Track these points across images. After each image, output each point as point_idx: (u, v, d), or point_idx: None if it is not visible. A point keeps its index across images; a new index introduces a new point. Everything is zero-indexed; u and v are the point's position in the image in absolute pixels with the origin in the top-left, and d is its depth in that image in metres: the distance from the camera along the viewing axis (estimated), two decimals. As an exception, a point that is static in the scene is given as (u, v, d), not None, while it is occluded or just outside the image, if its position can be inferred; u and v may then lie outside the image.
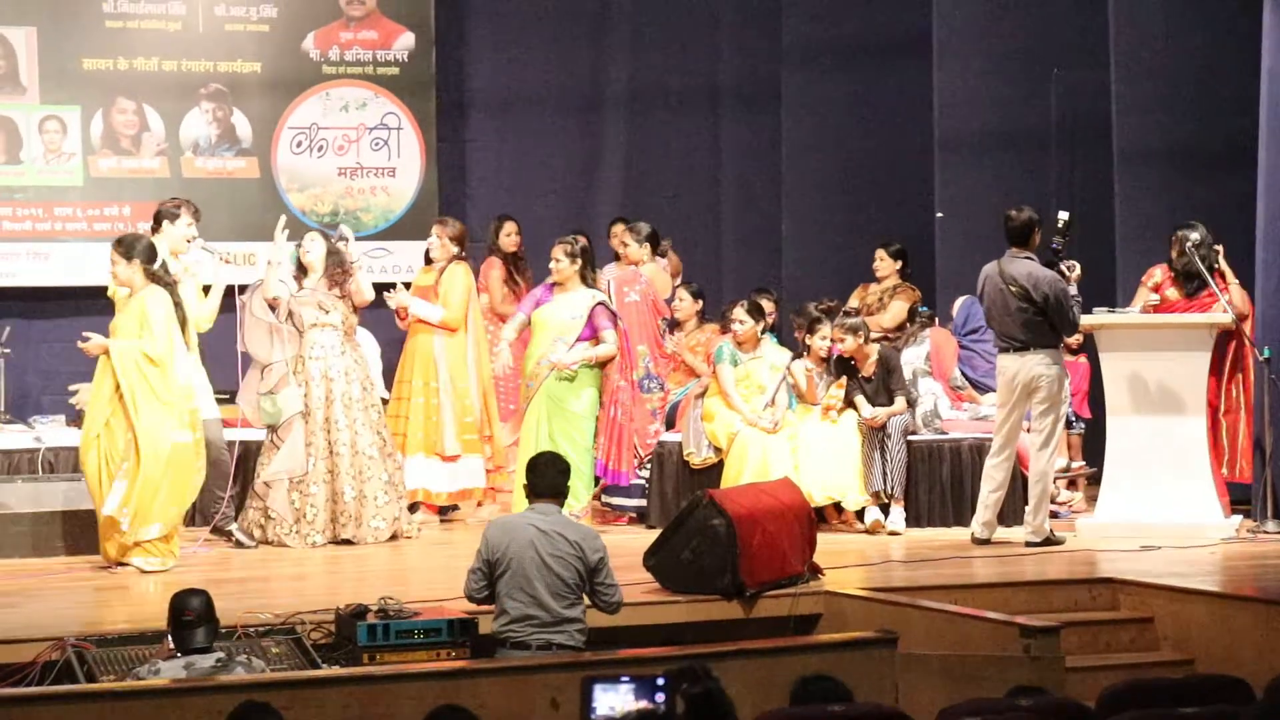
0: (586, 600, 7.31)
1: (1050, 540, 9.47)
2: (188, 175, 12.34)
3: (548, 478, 7.38)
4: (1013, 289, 9.44)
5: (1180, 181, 11.10)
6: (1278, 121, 10.13)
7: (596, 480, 10.41)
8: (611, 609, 7.36)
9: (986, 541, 9.56)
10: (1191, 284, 10.02)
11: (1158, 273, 10.20)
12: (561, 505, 7.43)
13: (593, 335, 10.07)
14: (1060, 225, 9.59)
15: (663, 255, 11.52)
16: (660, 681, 4.85)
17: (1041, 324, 9.45)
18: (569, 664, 6.80)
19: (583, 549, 7.22)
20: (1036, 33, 12.42)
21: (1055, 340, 9.55)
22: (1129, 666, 7.74)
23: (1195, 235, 9.97)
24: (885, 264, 11.38)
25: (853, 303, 11.40)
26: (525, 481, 7.46)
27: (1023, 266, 9.48)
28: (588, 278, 10.21)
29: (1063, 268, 9.53)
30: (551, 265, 10.25)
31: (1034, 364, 9.43)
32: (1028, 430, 9.71)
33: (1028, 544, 9.46)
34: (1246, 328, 9.90)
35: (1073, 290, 9.52)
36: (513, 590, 7.16)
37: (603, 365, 10.18)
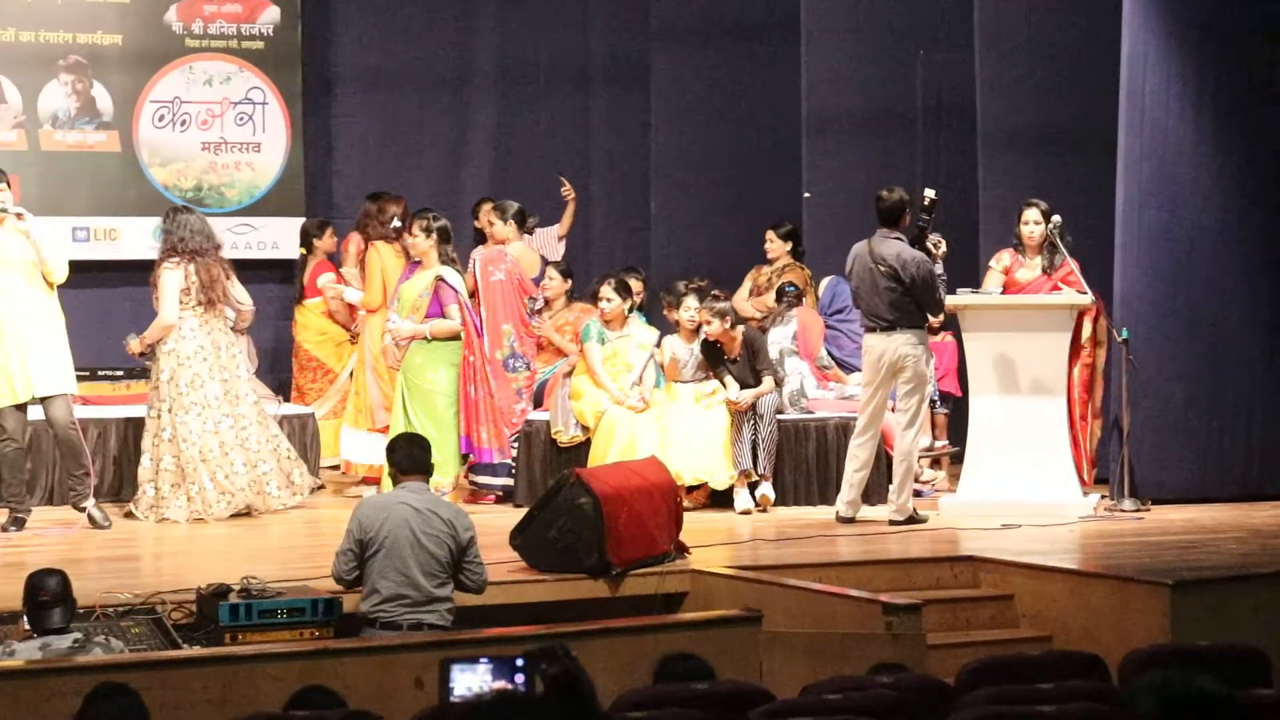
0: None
1: (913, 519, 9.56)
2: (46, 148, 12.10)
3: (413, 455, 7.42)
4: (881, 268, 9.52)
5: (1042, 163, 11.23)
6: (1136, 105, 10.29)
7: (465, 458, 10.40)
8: (477, 589, 7.37)
9: (851, 520, 9.63)
10: (1050, 257, 10.17)
11: (1005, 256, 10.32)
12: (428, 482, 7.46)
13: (440, 311, 10.05)
14: (926, 202, 9.71)
15: (529, 232, 11.46)
16: (519, 662, 4.85)
17: (908, 304, 9.54)
18: (432, 643, 6.76)
19: (455, 527, 7.24)
20: (902, 15, 12.51)
21: (921, 320, 9.65)
22: (989, 643, 7.85)
23: (1058, 216, 10.12)
24: (775, 245, 11.51)
25: (746, 284, 11.54)
26: (389, 463, 7.48)
27: (892, 247, 9.55)
28: (444, 254, 10.20)
29: (929, 244, 9.62)
30: (409, 241, 10.27)
31: (900, 344, 9.52)
32: (893, 410, 9.79)
33: (891, 523, 9.54)
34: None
35: (939, 268, 9.62)
36: (385, 570, 7.14)
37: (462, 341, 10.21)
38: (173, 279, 9.82)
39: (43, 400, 9.48)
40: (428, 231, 10.16)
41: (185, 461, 9.75)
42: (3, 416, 9.45)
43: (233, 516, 9.80)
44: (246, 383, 10.11)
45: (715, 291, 10.82)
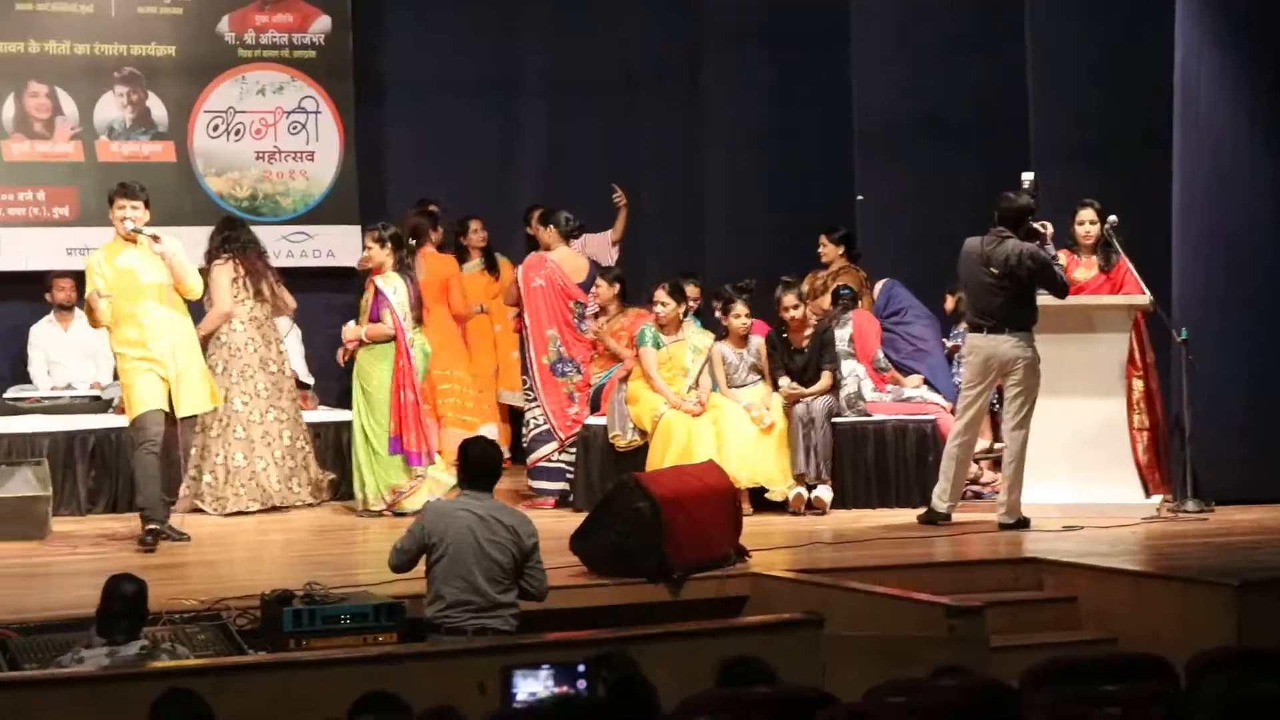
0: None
1: (1022, 522, 9.35)
2: (103, 159, 12.18)
3: (494, 466, 7.55)
4: (993, 270, 9.36)
5: (1097, 166, 11.14)
6: (1190, 109, 10.22)
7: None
8: (539, 595, 7.40)
9: (947, 518, 9.49)
10: (1106, 256, 10.11)
11: (1062, 257, 10.23)
12: (491, 489, 7.50)
13: (379, 316, 10.29)
14: (1027, 186, 9.63)
15: (575, 236, 11.40)
16: (580, 668, 4.86)
17: (1014, 308, 9.36)
18: (494, 648, 6.78)
19: (518, 534, 7.29)
20: (953, 19, 12.45)
21: (1028, 322, 9.45)
22: (1052, 645, 7.78)
23: (1113, 216, 10.07)
24: (829, 249, 11.48)
25: (804, 288, 11.47)
26: (459, 465, 7.54)
27: (1004, 248, 9.36)
28: (399, 260, 10.39)
29: (1037, 227, 9.50)
30: (364, 254, 10.57)
31: (1008, 346, 9.36)
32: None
33: (1001, 526, 9.38)
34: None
35: (1050, 249, 9.50)
36: (449, 576, 7.18)
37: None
38: (223, 272, 10.39)
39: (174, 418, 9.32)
40: (381, 242, 10.39)
41: (236, 452, 10.21)
42: (147, 421, 9.18)
43: (269, 514, 10.19)
44: (290, 380, 10.62)
45: (787, 278, 10.69)
